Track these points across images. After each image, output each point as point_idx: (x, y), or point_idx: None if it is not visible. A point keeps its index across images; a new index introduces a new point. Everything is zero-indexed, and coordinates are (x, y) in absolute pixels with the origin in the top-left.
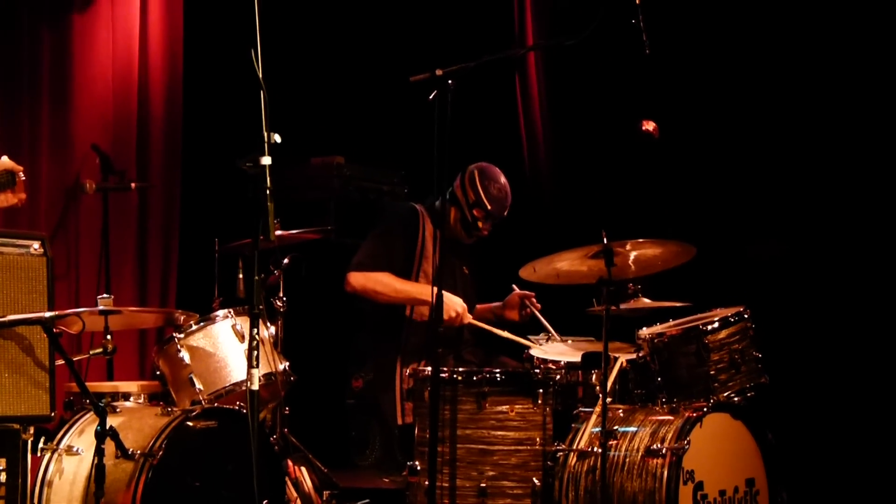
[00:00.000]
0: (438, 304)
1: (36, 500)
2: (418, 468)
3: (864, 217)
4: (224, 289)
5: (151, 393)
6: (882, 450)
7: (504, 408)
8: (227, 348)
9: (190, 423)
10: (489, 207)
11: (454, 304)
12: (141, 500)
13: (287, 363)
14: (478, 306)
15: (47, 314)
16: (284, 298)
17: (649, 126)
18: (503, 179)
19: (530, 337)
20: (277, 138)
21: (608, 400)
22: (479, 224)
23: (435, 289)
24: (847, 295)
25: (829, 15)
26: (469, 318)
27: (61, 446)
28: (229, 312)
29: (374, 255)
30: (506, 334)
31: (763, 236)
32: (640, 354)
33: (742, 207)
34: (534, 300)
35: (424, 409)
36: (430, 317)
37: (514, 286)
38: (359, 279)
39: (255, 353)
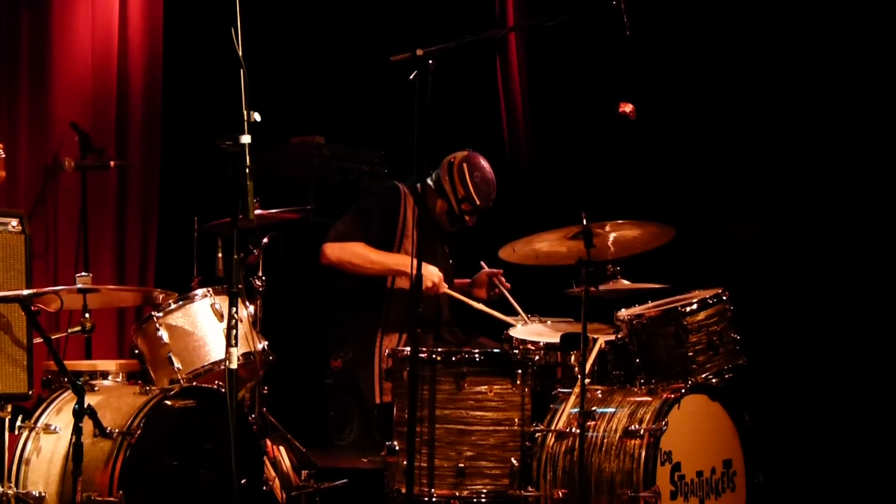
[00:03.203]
0: (417, 283)
1: (13, 479)
2: (396, 448)
3: (843, 199)
4: (203, 268)
5: (130, 371)
6: (859, 430)
7: (483, 388)
8: (205, 327)
9: (168, 402)
10: (478, 203)
11: (431, 273)
12: (119, 478)
13: (266, 342)
14: None
15: (25, 292)
16: (263, 278)
17: (626, 108)
18: (489, 169)
19: (508, 317)
20: (257, 117)
21: (587, 381)
22: (466, 217)
23: (414, 264)
24: (825, 277)
25: None
26: (445, 288)
27: (39, 424)
28: (208, 291)
29: (350, 227)
30: (480, 306)
31: (740, 218)
32: (619, 336)
33: (721, 189)
34: (503, 279)
35: (403, 389)
36: (411, 291)
37: (483, 263)
38: (334, 250)
39: (234, 332)
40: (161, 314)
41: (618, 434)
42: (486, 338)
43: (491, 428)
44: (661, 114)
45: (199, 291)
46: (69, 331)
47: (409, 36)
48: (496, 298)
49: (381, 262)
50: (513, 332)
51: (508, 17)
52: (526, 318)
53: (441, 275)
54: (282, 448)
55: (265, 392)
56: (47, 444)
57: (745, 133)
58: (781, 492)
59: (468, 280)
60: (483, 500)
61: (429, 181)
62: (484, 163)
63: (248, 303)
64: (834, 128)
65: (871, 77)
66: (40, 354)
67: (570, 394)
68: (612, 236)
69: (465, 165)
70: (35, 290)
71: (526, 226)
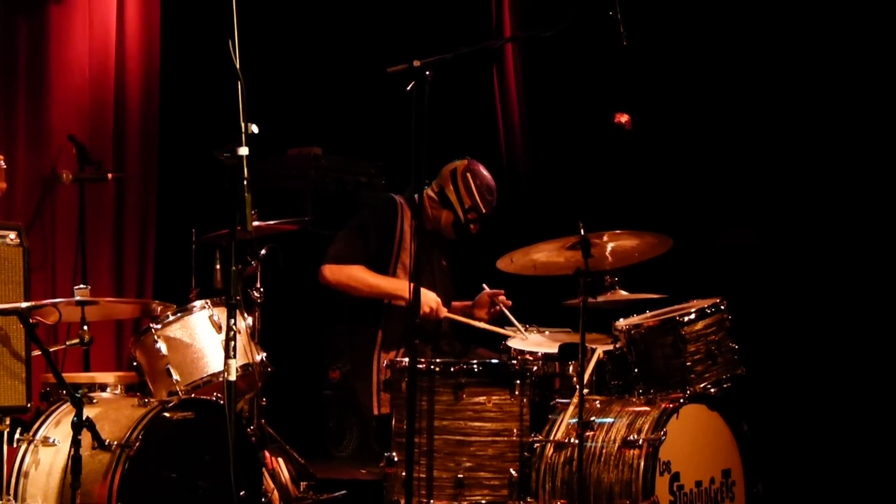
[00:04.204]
0: (416, 294)
1: (12, 492)
2: (395, 459)
3: (840, 207)
4: (201, 279)
5: (128, 384)
6: (858, 439)
7: (481, 399)
8: (204, 339)
9: (167, 414)
10: (484, 211)
11: (429, 299)
12: (117, 491)
13: (264, 354)
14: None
15: (23, 304)
16: (262, 289)
17: (622, 118)
18: (489, 176)
19: (507, 328)
20: (255, 129)
21: (585, 391)
22: (472, 226)
23: (411, 288)
24: (823, 285)
25: (800, 6)
26: (445, 312)
27: (37, 437)
28: (206, 303)
29: (349, 249)
30: (482, 325)
31: (738, 227)
32: (617, 346)
33: (718, 199)
34: (503, 297)
35: (402, 400)
36: (408, 307)
37: (485, 285)
38: (333, 272)
39: (233, 343)
40: (159, 326)
41: (616, 444)
42: (484, 349)
43: (489, 438)
44: (657, 124)
45: (198, 303)
46: (68, 343)
47: (406, 47)
48: (496, 317)
49: (379, 286)
50: (511, 343)
51: (505, 27)
52: (524, 333)
53: (438, 300)
54: (280, 459)
55: (264, 404)
56: (46, 457)
57: (742, 142)
58: (780, 501)
59: (469, 302)
60: None
61: (430, 192)
62: (484, 170)
63: (246, 314)
64: (831, 136)
65: (867, 84)
66: (39, 367)
67: (568, 404)
68: (609, 246)
69: (469, 175)
70: (33, 303)
71: (524, 236)
